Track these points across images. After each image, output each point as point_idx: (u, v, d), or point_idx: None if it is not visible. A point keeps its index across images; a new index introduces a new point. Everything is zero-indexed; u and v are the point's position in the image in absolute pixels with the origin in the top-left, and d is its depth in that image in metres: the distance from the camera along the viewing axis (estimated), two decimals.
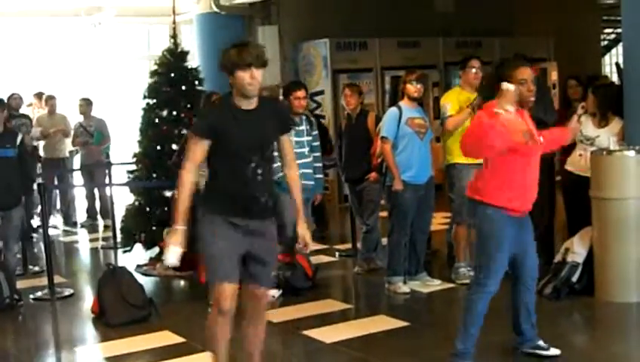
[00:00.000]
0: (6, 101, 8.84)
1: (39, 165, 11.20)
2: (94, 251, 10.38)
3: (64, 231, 11.73)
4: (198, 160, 4.39)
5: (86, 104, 11.58)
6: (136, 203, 8.37)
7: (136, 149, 8.39)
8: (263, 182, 4.44)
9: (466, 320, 5.05)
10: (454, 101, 7.22)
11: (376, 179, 7.68)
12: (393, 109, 7.12)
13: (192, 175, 4.38)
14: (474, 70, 7.27)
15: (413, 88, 7.04)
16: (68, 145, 11.94)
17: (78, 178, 12.57)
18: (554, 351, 5.29)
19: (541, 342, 5.30)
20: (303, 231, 4.60)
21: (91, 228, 11.79)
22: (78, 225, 11.97)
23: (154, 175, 8.18)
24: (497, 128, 4.67)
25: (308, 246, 4.64)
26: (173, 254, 4.29)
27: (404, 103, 7.09)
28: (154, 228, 8.07)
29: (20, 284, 7.78)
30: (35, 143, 11.18)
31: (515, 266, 5.14)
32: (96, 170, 11.46)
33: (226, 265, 4.38)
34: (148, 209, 8.19)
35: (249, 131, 4.38)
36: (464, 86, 7.36)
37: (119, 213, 9.06)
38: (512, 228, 4.93)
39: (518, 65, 4.94)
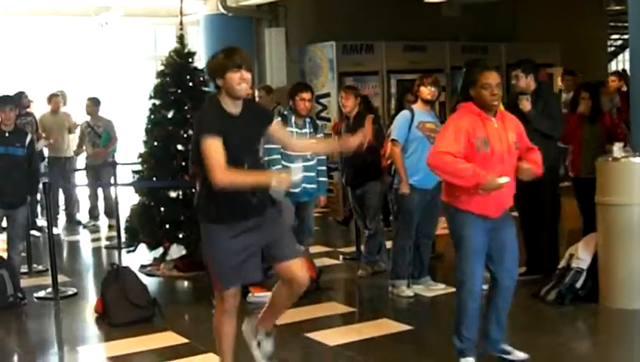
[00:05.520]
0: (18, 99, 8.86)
1: (45, 164, 11.22)
2: (98, 251, 10.38)
3: (67, 229, 11.73)
4: (224, 159, 4.32)
5: (93, 104, 11.55)
6: (141, 203, 8.37)
7: (142, 149, 8.39)
8: None
9: (457, 319, 5.12)
10: None
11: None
12: (405, 112, 7.11)
13: (229, 171, 4.33)
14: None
15: (427, 91, 7.03)
16: (72, 144, 11.93)
17: (81, 177, 12.58)
18: (519, 355, 5.23)
19: (505, 346, 5.25)
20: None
21: (93, 228, 11.79)
22: (82, 225, 11.97)
23: (159, 175, 8.18)
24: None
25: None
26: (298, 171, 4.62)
27: (417, 107, 7.08)
28: (158, 228, 8.07)
29: (24, 283, 7.79)
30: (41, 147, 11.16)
31: (493, 268, 5.15)
32: (102, 170, 11.46)
33: (229, 273, 4.57)
34: (152, 209, 8.18)
35: (241, 136, 4.47)
36: None
37: (124, 212, 9.07)
38: (484, 228, 4.97)
39: (482, 69, 4.98)
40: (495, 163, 4.89)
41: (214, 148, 4.31)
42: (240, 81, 4.42)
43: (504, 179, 4.79)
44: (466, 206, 4.94)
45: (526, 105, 6.94)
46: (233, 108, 4.49)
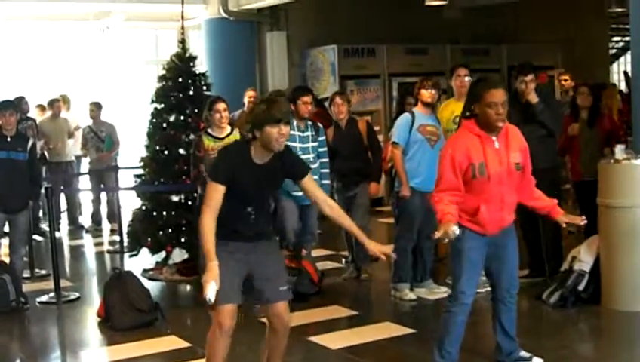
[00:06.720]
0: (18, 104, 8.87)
1: (45, 168, 11.22)
2: (100, 255, 10.39)
3: (69, 234, 11.73)
4: (216, 205, 4.40)
5: (96, 108, 11.56)
6: (143, 207, 8.37)
7: (144, 153, 8.40)
8: (255, 221, 4.58)
9: (442, 333, 5.07)
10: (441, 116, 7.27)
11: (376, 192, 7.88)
12: (406, 115, 7.12)
13: (211, 219, 4.39)
14: (460, 79, 7.29)
15: (427, 93, 7.03)
16: (73, 148, 11.93)
17: (84, 182, 12.59)
18: (536, 361, 5.25)
19: (523, 353, 5.24)
20: (374, 247, 4.58)
21: (96, 233, 11.79)
22: (84, 230, 11.97)
23: (161, 179, 8.18)
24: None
25: (389, 253, 4.62)
26: (212, 290, 4.25)
27: (417, 110, 7.09)
28: (161, 232, 8.07)
29: (27, 288, 7.80)
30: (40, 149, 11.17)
31: (492, 281, 5.16)
32: (105, 174, 11.47)
33: (226, 288, 4.40)
34: (155, 213, 8.17)
35: (255, 186, 4.50)
36: (457, 96, 7.34)
37: (126, 217, 9.07)
38: (482, 243, 4.92)
39: (490, 86, 4.80)
40: (493, 186, 4.81)
41: (214, 193, 4.41)
42: (278, 136, 4.38)
43: (456, 230, 4.69)
44: (464, 221, 4.88)
45: (534, 97, 7.00)
46: (260, 158, 4.47)
